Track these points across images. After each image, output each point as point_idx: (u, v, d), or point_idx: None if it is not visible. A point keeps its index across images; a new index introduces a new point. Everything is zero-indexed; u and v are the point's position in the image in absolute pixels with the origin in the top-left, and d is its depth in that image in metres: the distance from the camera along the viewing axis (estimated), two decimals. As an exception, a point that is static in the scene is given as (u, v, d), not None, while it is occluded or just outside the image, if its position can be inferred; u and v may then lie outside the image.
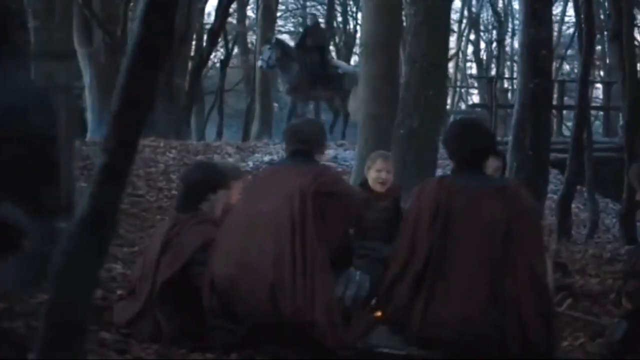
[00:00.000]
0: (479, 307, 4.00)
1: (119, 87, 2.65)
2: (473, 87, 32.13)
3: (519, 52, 10.56)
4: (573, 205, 12.69)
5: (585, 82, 9.93)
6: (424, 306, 4.05)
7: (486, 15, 34.31)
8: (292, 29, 38.53)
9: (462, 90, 32.27)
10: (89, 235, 2.66)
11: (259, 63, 16.96)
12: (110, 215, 2.69)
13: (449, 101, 31.42)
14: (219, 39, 20.30)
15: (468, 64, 34.35)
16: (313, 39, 16.72)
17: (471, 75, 33.17)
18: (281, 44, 16.60)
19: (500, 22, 31.00)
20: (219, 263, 4.29)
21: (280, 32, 37.20)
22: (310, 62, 16.33)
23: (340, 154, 13.18)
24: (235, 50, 26.18)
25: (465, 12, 31.92)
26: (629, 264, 5.16)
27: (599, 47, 28.51)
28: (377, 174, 5.74)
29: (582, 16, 10.17)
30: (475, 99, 31.24)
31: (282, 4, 34.19)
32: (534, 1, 9.78)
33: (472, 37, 33.03)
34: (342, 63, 18.58)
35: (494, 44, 33.02)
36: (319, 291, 4.12)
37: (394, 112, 8.62)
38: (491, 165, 6.06)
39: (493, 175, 6.00)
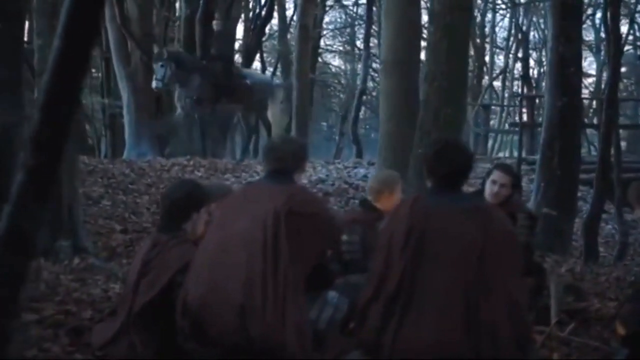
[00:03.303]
0: (453, 332, 3.85)
1: (38, 104, 2.60)
2: (523, 105, 31.73)
3: (547, 69, 10.41)
4: (609, 227, 12.46)
5: (612, 101, 9.69)
6: (396, 330, 3.91)
7: (536, 33, 33.99)
8: (340, 48, 38.57)
9: (510, 108, 31.93)
10: (7, 257, 2.61)
11: (153, 84, 15.29)
12: (30, 236, 2.63)
13: (496, 119, 31.18)
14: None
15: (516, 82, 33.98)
16: (217, 48, 15.71)
17: (515, 94, 32.83)
18: (175, 57, 15.11)
19: (527, 38, 30.65)
20: (191, 283, 4.22)
21: (328, 50, 37.33)
22: (214, 72, 15.19)
23: (370, 173, 13.06)
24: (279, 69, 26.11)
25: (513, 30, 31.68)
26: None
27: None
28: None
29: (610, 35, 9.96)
30: (524, 117, 30.84)
31: (329, 23, 34.25)
32: (562, 19, 9.66)
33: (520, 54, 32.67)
34: (253, 73, 16.86)
35: (543, 63, 32.60)
36: (290, 313, 4.02)
37: (413, 130, 8.54)
38: (500, 180, 5.93)
39: (499, 191, 5.89)
